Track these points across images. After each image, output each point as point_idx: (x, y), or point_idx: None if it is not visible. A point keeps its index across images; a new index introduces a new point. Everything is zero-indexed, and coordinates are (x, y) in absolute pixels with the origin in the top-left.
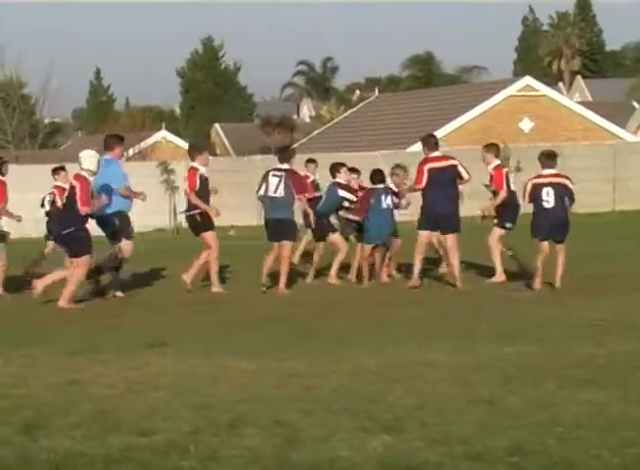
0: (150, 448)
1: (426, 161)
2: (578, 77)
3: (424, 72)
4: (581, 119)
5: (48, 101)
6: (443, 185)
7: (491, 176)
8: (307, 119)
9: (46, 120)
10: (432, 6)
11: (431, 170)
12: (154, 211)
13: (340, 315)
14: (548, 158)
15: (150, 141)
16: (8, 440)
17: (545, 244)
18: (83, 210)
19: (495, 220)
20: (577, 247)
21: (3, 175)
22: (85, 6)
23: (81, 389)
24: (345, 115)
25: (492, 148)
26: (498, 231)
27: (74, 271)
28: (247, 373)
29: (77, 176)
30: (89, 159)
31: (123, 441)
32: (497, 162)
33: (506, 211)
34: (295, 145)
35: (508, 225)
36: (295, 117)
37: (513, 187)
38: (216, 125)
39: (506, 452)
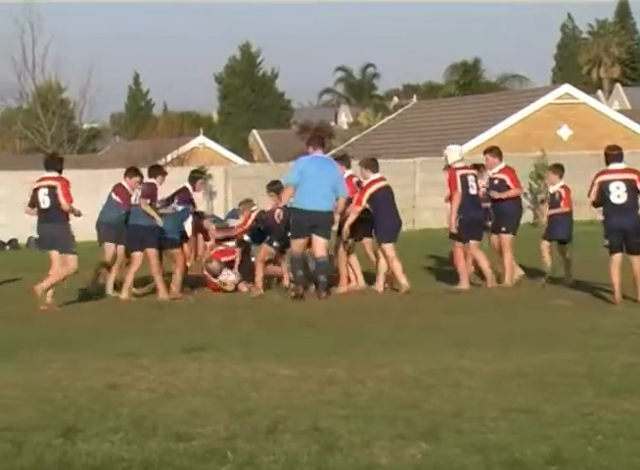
0: (188, 454)
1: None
2: (618, 85)
3: (465, 80)
4: (621, 127)
5: (87, 106)
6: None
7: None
8: (345, 126)
9: (85, 125)
10: (470, 14)
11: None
12: None
13: (377, 322)
14: (612, 151)
15: (188, 147)
16: (48, 443)
17: (617, 255)
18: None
19: (503, 228)
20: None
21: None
22: (123, 10)
23: (120, 393)
24: (383, 121)
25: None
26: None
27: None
28: (286, 379)
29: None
30: None
31: (161, 445)
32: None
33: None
34: (333, 151)
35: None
36: (332, 123)
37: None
38: (254, 131)
39: (545, 461)
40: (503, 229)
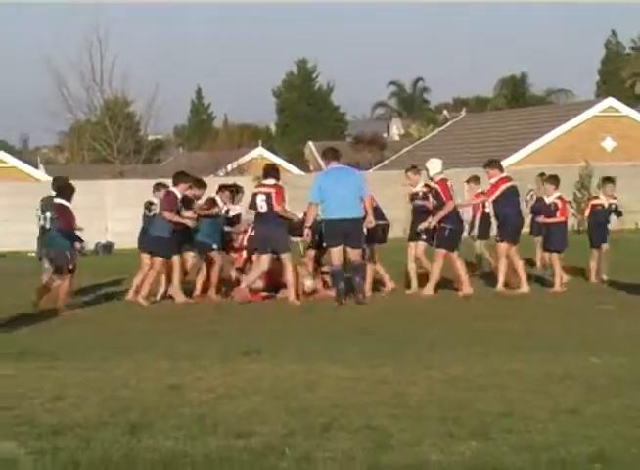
0: (247, 450)
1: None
2: None
3: (513, 93)
4: None
5: (152, 118)
6: None
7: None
8: (397, 138)
9: (150, 137)
10: (518, 30)
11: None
12: None
13: (427, 326)
14: None
15: (247, 157)
16: (115, 439)
17: None
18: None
19: (498, 237)
20: None
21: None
22: (185, 29)
23: (182, 393)
24: (434, 133)
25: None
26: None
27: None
28: (340, 379)
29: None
30: None
31: (222, 442)
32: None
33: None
34: (385, 161)
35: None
36: (385, 135)
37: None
38: (310, 143)
39: (589, 460)
40: (498, 238)
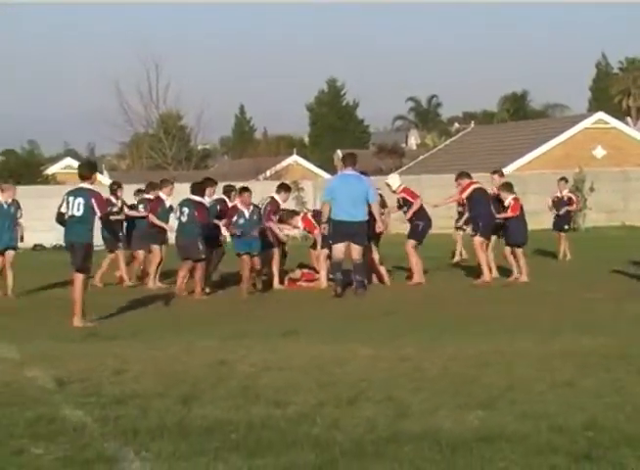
0: (284, 418)
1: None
2: None
3: (515, 108)
4: None
5: (201, 130)
6: None
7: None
8: (414, 147)
9: (199, 147)
10: (519, 51)
11: None
12: None
13: (440, 310)
14: None
15: (283, 164)
16: (169, 409)
17: None
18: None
19: (472, 232)
20: None
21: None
22: (230, 53)
23: (229, 368)
24: (446, 143)
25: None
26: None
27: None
28: (365, 357)
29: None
30: None
31: (263, 411)
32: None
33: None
34: (404, 168)
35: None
36: (403, 144)
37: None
38: (338, 151)
39: (583, 427)
40: (472, 233)
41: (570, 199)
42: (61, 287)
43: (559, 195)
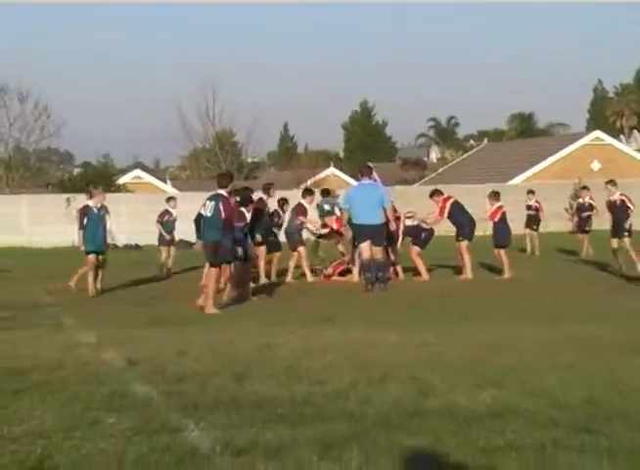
0: (322, 394)
1: None
2: (635, 131)
3: (523, 127)
4: (637, 163)
5: (251, 146)
6: None
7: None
8: (435, 161)
9: (249, 160)
10: (527, 77)
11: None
12: None
13: (458, 302)
14: None
15: (322, 175)
16: (224, 386)
17: None
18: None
19: (460, 237)
20: None
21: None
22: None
23: (274, 350)
24: (463, 157)
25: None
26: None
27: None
28: (392, 342)
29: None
30: None
31: (303, 389)
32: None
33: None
34: (426, 179)
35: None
36: (425, 158)
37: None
38: (369, 164)
39: (581, 402)
40: (460, 238)
41: (590, 205)
42: (133, 284)
43: (581, 200)
